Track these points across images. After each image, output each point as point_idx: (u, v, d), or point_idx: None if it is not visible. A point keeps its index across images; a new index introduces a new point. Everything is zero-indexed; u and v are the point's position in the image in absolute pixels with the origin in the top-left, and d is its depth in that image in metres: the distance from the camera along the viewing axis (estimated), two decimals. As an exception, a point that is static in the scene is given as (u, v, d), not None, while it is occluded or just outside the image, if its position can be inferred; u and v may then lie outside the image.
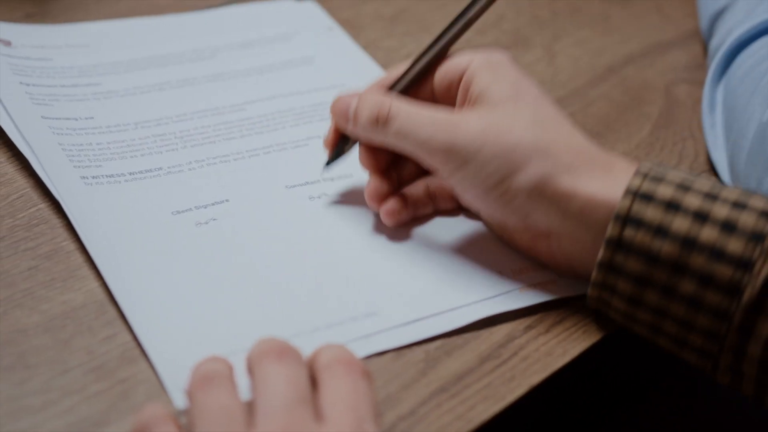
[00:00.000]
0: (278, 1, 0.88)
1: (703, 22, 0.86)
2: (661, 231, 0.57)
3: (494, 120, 0.61)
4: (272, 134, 0.73)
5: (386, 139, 0.64)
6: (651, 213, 0.57)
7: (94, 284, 0.61)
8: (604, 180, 0.59)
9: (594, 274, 0.59)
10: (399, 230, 0.66)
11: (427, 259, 0.64)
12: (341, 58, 0.83)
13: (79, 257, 0.62)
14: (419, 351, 0.59)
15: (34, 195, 0.66)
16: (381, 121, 0.63)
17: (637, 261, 0.57)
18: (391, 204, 0.66)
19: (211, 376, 0.51)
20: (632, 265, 0.57)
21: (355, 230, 0.66)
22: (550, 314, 0.62)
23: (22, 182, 0.67)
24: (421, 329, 0.60)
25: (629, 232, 0.57)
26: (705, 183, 0.58)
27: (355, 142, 0.67)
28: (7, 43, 0.77)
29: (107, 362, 0.56)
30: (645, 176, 0.58)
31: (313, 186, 0.69)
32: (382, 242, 0.65)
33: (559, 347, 0.60)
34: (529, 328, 0.61)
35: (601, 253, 0.58)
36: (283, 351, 0.51)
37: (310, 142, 0.72)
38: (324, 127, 0.69)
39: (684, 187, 0.57)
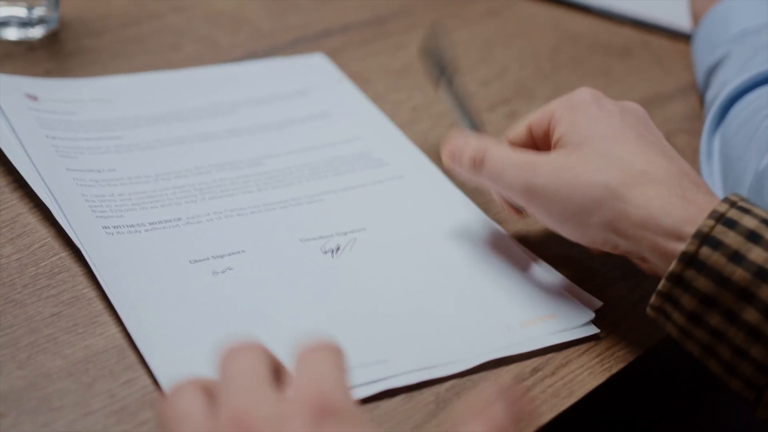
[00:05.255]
0: (291, 57, 0.91)
1: (699, 76, 0.88)
2: (737, 257, 0.58)
3: (568, 162, 0.64)
4: (288, 188, 0.75)
5: (483, 180, 0.68)
6: (731, 238, 0.58)
7: (115, 330, 0.62)
8: (679, 216, 0.60)
9: (661, 283, 0.60)
10: (409, 282, 0.68)
11: (436, 311, 0.66)
12: (354, 113, 0.85)
13: (99, 304, 0.64)
14: (429, 393, 0.61)
15: (55, 244, 0.68)
16: (477, 164, 0.68)
17: (707, 280, 0.58)
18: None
19: None
20: (701, 283, 0.59)
21: (366, 282, 0.68)
22: (556, 357, 0.64)
23: (43, 232, 0.69)
24: (430, 375, 0.62)
25: (705, 251, 0.58)
26: None
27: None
28: (34, 98, 0.80)
29: (128, 405, 0.58)
30: (733, 204, 0.60)
31: (327, 240, 0.71)
32: (392, 293, 0.67)
33: (565, 389, 0.62)
34: (535, 370, 0.63)
35: (672, 265, 0.59)
36: (246, 344, 0.50)
37: (325, 197, 0.75)
38: (338, 182, 0.75)
39: None
